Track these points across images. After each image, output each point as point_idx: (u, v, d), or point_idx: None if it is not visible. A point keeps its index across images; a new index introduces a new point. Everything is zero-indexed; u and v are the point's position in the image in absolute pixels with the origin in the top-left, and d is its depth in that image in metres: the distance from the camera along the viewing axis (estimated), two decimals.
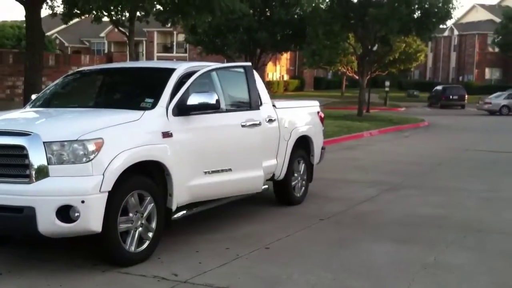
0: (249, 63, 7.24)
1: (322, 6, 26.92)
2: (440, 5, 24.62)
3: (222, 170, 6.26)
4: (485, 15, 63.82)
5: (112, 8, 19.41)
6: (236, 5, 16.34)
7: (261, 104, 7.03)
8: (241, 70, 6.94)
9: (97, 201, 4.79)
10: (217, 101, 6.04)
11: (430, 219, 7.33)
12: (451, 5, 24.75)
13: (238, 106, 6.88)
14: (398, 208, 7.98)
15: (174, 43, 61.16)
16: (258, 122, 6.65)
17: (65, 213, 4.71)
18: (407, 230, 6.77)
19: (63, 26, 53.77)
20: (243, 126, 6.49)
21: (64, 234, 4.88)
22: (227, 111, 6.58)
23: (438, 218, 7.35)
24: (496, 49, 58.58)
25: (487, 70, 62.39)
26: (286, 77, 62.23)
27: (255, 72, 7.17)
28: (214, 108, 6.00)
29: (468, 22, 64.95)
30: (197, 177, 5.96)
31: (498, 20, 57.13)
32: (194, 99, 5.85)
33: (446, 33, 65.09)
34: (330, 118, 20.27)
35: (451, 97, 41.62)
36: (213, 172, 6.14)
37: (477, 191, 9.24)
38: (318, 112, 8.90)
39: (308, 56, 37.16)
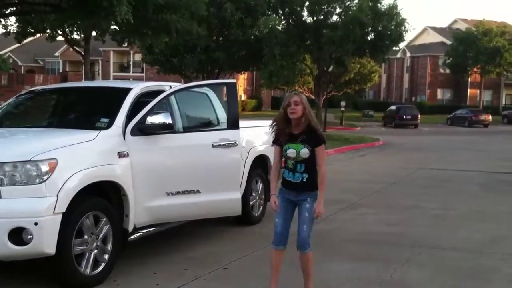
0: (206, 83, 7.26)
1: (278, 27, 27.27)
2: (393, 28, 25.28)
3: (189, 192, 6.18)
4: (436, 38, 65.73)
5: (67, 27, 19.19)
6: (193, 27, 16.41)
7: (218, 123, 7.03)
8: (206, 90, 7.01)
9: (50, 223, 4.69)
10: (173, 121, 6.04)
11: (386, 237, 7.44)
12: (403, 28, 25.46)
13: (207, 125, 6.87)
14: (355, 226, 8.08)
15: (131, 63, 60.68)
16: (233, 143, 6.57)
17: (18, 235, 4.59)
18: (364, 248, 6.85)
19: (17, 45, 52.78)
20: (214, 146, 6.44)
21: (17, 257, 4.75)
22: (193, 131, 6.55)
23: (393, 236, 7.47)
24: (447, 71, 60.32)
25: (439, 90, 64.08)
26: (243, 97, 62.46)
27: (213, 93, 7.20)
28: (170, 128, 5.97)
29: (420, 44, 66.77)
30: (158, 198, 5.89)
31: (448, 42, 58.91)
32: (152, 119, 5.81)
33: (399, 55, 66.72)
34: None
35: (404, 116, 42.52)
36: (177, 193, 6.07)
37: (431, 209, 9.44)
38: None
39: (265, 77, 37.47)
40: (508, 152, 21.33)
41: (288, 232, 4.83)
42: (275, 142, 4.92)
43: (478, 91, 58.70)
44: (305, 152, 4.71)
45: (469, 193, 11.31)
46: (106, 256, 5.30)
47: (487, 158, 18.89)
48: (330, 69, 29.09)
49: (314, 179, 4.80)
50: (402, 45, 43.66)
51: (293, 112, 4.70)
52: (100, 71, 60.03)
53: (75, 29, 21.06)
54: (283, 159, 4.90)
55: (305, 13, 26.85)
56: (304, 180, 4.77)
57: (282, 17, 27.29)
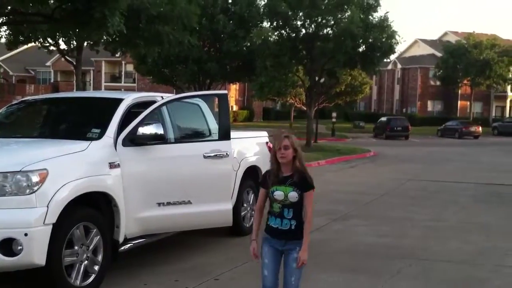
0: (198, 94, 7.27)
1: (271, 39, 27.34)
2: (384, 40, 25.40)
3: (180, 203, 6.17)
4: (426, 50, 66.21)
5: (59, 37, 19.20)
6: (185, 38, 16.49)
7: (210, 134, 7.04)
8: (197, 101, 7.04)
9: (40, 233, 4.66)
10: (165, 131, 6.05)
11: (377, 248, 7.45)
12: (394, 40, 25.57)
13: (198, 136, 6.88)
14: (346, 237, 8.08)
15: (123, 73, 60.65)
16: (224, 153, 6.57)
17: (8, 246, 4.57)
18: (355, 259, 6.85)
19: (8, 55, 52.73)
20: (205, 157, 6.45)
21: (6, 268, 4.72)
22: (184, 141, 6.56)
23: (384, 247, 7.48)
24: (438, 82, 60.71)
25: (429, 102, 64.46)
26: (235, 108, 62.55)
27: (205, 104, 7.21)
28: (162, 138, 5.97)
29: (410, 56, 67.21)
30: (149, 209, 5.88)
31: (439, 54, 59.33)
32: (144, 130, 5.81)
33: (389, 67, 67.11)
34: None
35: (395, 128, 42.66)
36: (169, 204, 6.06)
37: (422, 220, 9.46)
38: (266, 143, 8.98)
39: (256, 88, 37.55)
40: (499, 164, 21.46)
41: (278, 285, 4.45)
42: (263, 184, 4.52)
43: (468, 103, 59.10)
44: (294, 195, 4.38)
45: (459, 205, 11.36)
46: (97, 267, 5.28)
47: (477, 169, 18.98)
48: (322, 81, 29.17)
49: (302, 226, 4.45)
50: (393, 57, 44.01)
51: (283, 156, 4.37)
52: (91, 81, 59.93)
53: (67, 39, 21.07)
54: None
55: (298, 24, 26.88)
56: (293, 228, 4.42)
57: (275, 24, 27.28)
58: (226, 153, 6.60)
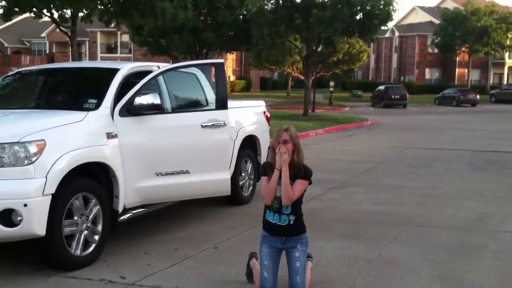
0: (194, 63, 7.23)
1: (267, 7, 27.07)
2: (381, 7, 25.17)
3: (178, 172, 6.20)
4: (424, 17, 65.69)
5: (53, 6, 18.94)
6: (180, 13, 16.36)
7: (207, 104, 7.03)
8: (194, 70, 7.00)
9: (40, 204, 4.68)
10: (162, 101, 6.04)
11: (374, 215, 7.51)
12: (391, 7, 25.34)
13: (196, 106, 6.87)
14: (344, 205, 8.14)
15: (118, 44, 60.15)
16: (222, 123, 6.57)
17: (7, 217, 4.59)
18: (353, 226, 6.92)
19: (2, 26, 52.23)
20: (203, 126, 6.44)
21: (7, 239, 4.75)
22: (182, 111, 6.55)
23: (381, 215, 7.54)
24: (436, 50, 60.40)
25: (427, 70, 64.23)
26: (232, 78, 62.27)
27: (202, 74, 7.18)
28: (159, 108, 5.96)
29: (408, 24, 66.71)
30: (147, 178, 5.91)
31: (437, 21, 58.91)
32: (140, 100, 5.80)
33: (387, 35, 66.66)
34: (276, 118, 20.42)
35: (393, 96, 42.55)
36: (167, 174, 6.08)
37: (418, 188, 9.52)
38: (264, 112, 8.97)
39: (253, 56, 37.31)
40: (496, 131, 21.50)
41: (276, 284, 4.46)
42: (264, 174, 4.47)
43: (466, 71, 58.90)
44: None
45: (456, 172, 11.42)
46: (96, 237, 5.32)
47: (474, 137, 19.03)
48: (319, 49, 29.00)
49: (301, 221, 4.50)
50: (390, 24, 43.63)
51: (282, 153, 4.32)
52: (87, 52, 59.45)
53: (60, 7, 20.78)
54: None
55: None
56: (292, 223, 4.41)
57: None
58: (224, 123, 6.60)
